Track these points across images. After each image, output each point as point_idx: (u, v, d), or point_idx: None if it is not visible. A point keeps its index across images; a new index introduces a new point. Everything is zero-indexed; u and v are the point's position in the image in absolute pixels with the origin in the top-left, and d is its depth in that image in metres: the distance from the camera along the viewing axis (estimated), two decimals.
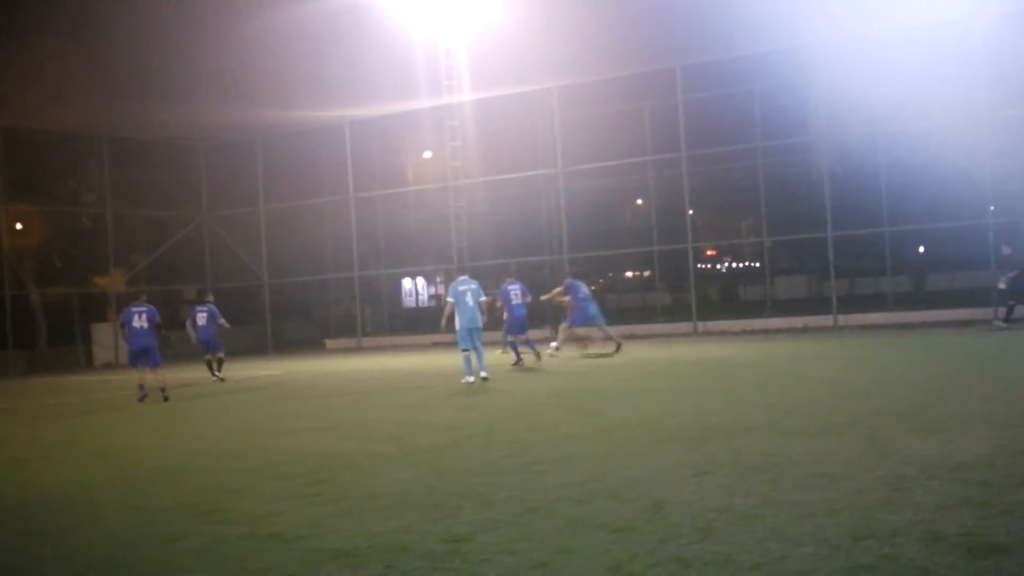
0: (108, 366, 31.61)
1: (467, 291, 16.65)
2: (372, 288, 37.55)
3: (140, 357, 17.46)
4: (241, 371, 24.61)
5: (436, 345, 30.68)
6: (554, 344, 22.03)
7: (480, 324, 16.65)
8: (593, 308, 21.70)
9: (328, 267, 35.35)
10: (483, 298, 16.83)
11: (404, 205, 35.80)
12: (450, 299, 16.84)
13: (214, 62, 27.93)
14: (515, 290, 19.97)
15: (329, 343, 35.16)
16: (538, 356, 20.21)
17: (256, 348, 34.12)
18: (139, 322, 17.29)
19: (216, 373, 21.70)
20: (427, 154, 38.41)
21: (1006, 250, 21.89)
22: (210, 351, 21.93)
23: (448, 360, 23.70)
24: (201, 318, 21.54)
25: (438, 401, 14.67)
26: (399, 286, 47.12)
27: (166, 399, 16.98)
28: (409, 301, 51.46)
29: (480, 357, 16.55)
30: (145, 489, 8.61)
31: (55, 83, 28.36)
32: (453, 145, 31.63)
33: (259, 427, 12.87)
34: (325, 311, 38.66)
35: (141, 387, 17.38)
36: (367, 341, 34.04)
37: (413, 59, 31.08)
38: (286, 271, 34.42)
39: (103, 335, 32.84)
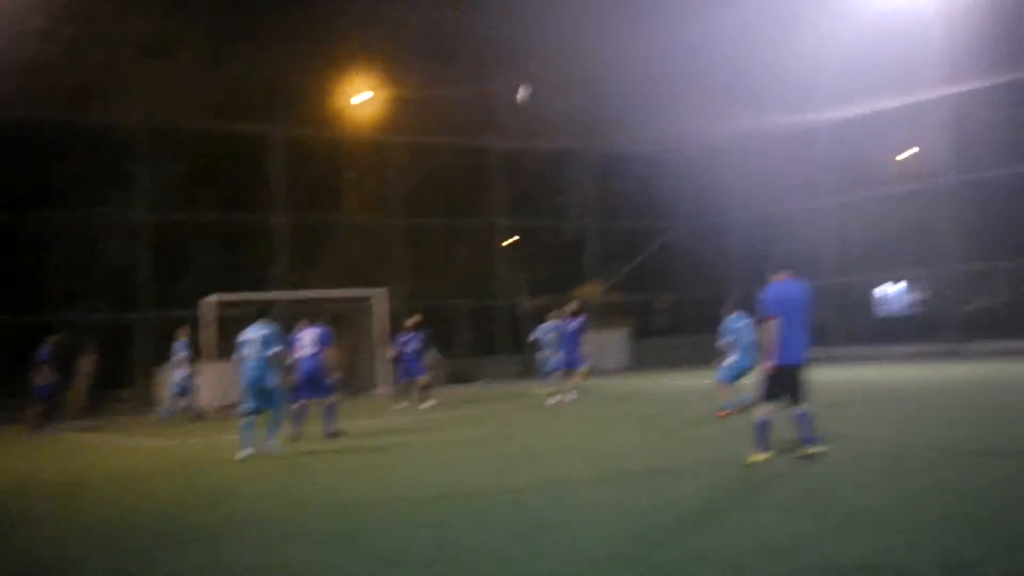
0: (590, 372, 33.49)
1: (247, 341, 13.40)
2: (848, 295, 36.28)
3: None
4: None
5: (919, 356, 29.05)
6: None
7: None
8: None
9: (801, 274, 34.63)
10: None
11: (883, 207, 34.04)
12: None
13: (693, 72, 28.61)
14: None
15: None
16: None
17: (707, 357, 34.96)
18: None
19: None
20: (911, 151, 36.31)
21: None
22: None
23: (938, 372, 22.27)
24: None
25: (932, 415, 13.88)
26: (876, 293, 45.05)
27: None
28: (885, 309, 49.12)
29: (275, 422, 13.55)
30: (630, 492, 9.03)
31: (547, 104, 30.63)
32: (942, 140, 29.80)
33: (736, 435, 12.92)
34: None
35: None
36: (838, 351, 32.93)
37: (898, 52, 29.54)
38: (757, 279, 34.27)
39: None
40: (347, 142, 31.70)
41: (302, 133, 29.98)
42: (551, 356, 20.48)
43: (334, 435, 15.13)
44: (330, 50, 31.26)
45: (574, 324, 20.20)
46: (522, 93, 18.30)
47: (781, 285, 10.32)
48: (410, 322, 21.76)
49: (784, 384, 9.93)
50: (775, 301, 10.12)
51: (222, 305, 24.81)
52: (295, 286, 27.76)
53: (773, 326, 10.01)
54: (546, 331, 20.78)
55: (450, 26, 31.42)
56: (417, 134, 31.17)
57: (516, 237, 34.45)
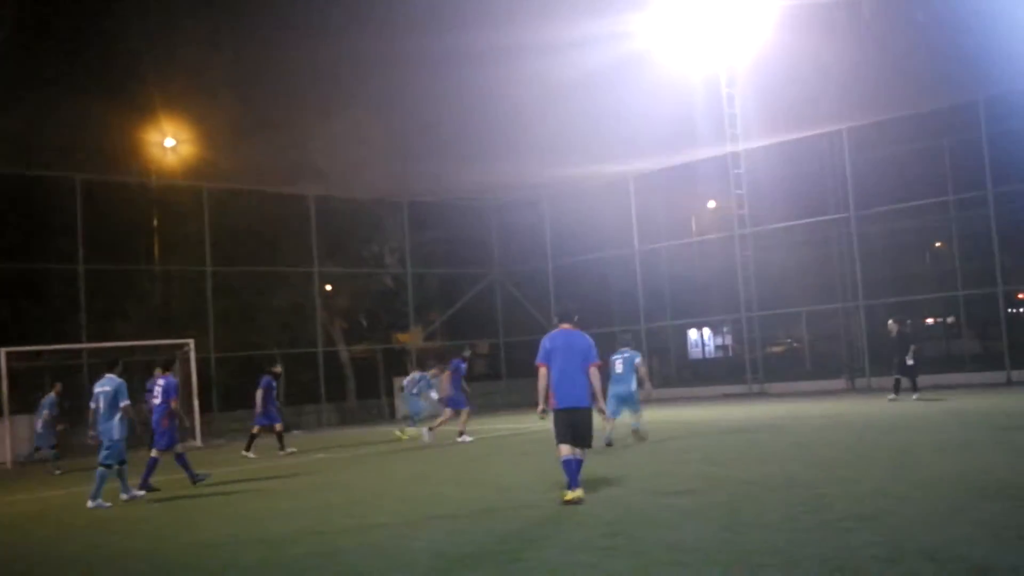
0: (408, 418, 33.20)
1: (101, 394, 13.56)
2: (659, 340, 37.51)
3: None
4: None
5: (726, 396, 30.25)
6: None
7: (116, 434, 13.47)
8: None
9: (615, 320, 35.63)
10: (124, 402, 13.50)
11: (689, 256, 35.59)
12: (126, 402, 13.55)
13: (501, 124, 29.18)
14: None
15: None
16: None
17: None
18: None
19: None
20: (711, 204, 38.20)
21: None
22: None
23: (742, 411, 23.26)
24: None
25: (734, 452, 14.35)
26: (685, 337, 46.73)
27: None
28: (696, 352, 51.06)
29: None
30: (449, 535, 8.95)
31: (360, 153, 30.58)
32: (738, 193, 31.34)
33: (556, 476, 13.04)
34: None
35: None
36: (656, 393, 33.89)
37: (695, 110, 31.22)
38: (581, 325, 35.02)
39: None
40: (156, 188, 30.64)
41: (107, 179, 28.78)
42: (422, 401, 22.29)
43: (147, 489, 14.58)
44: (139, 95, 30.34)
45: (463, 367, 20.61)
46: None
47: (555, 334, 10.66)
48: (276, 368, 21.25)
49: (566, 425, 10.28)
50: (543, 350, 10.52)
51: (11, 357, 23.42)
52: (101, 336, 26.48)
53: (541, 373, 10.43)
54: (417, 380, 22.39)
55: (264, 72, 31.02)
56: (231, 180, 30.46)
57: (329, 286, 34.09)
